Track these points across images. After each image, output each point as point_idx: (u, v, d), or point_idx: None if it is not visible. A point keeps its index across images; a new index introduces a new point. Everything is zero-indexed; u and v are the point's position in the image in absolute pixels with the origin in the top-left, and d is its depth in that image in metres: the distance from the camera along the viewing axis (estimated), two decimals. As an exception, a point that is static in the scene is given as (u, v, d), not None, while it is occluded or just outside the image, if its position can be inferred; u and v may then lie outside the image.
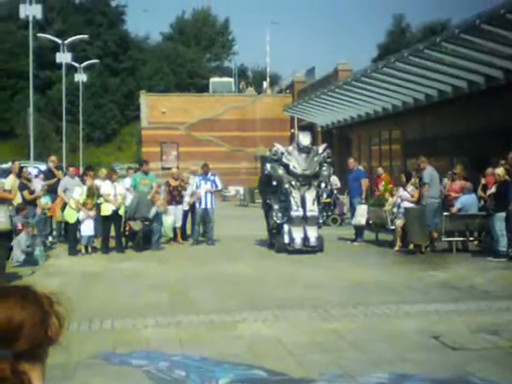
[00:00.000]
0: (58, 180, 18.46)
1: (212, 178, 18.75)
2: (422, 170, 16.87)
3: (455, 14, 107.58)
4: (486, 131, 23.48)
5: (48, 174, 19.20)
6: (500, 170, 15.12)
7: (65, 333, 1.72)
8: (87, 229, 16.46)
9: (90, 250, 16.64)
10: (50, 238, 18.27)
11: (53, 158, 20.39)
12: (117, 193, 16.95)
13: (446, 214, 16.06)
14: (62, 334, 1.71)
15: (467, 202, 16.12)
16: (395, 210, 17.36)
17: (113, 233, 17.10)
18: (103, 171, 18.10)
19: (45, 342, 1.66)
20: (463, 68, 22.67)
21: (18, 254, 14.11)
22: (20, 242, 14.11)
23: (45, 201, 17.35)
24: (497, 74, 21.29)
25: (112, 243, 17.08)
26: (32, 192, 16.39)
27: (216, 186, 18.71)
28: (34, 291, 1.69)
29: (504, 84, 21.19)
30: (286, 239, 16.58)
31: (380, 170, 22.55)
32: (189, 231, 19.43)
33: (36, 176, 19.53)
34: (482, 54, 20.68)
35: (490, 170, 16.25)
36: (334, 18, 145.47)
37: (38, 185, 17.40)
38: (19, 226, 13.74)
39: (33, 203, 16.34)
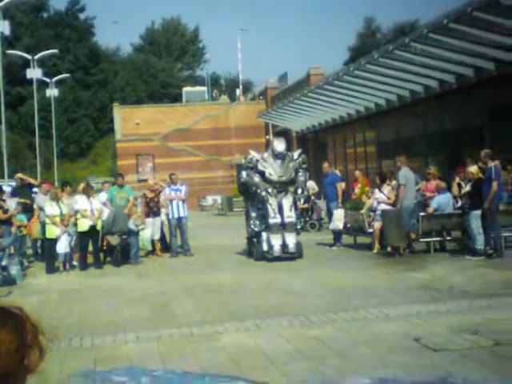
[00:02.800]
0: (31, 197, 18.39)
1: (181, 187, 18.81)
2: (398, 170, 16.87)
3: (424, 15, 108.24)
4: (459, 130, 23.63)
5: (23, 190, 19.09)
6: (473, 169, 15.13)
7: (43, 361, 1.65)
8: (62, 246, 16.30)
9: (67, 266, 16.51)
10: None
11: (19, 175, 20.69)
12: (93, 208, 16.85)
13: (422, 214, 16.12)
14: (41, 364, 1.65)
15: (443, 201, 16.19)
16: (371, 212, 17.41)
17: (91, 248, 16.98)
18: (82, 186, 18.04)
19: (19, 371, 1.60)
20: (434, 67, 22.76)
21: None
22: None
23: (20, 219, 17.15)
24: (467, 72, 21.41)
25: (90, 259, 16.95)
26: (5, 211, 16.19)
27: (185, 194, 18.79)
28: (19, 317, 1.62)
29: (475, 82, 21.33)
30: (265, 247, 16.55)
31: (357, 172, 22.58)
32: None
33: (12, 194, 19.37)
34: (451, 52, 20.75)
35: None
36: (304, 22, 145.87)
37: (12, 203, 17.20)
38: None
39: (8, 222, 16.14)
